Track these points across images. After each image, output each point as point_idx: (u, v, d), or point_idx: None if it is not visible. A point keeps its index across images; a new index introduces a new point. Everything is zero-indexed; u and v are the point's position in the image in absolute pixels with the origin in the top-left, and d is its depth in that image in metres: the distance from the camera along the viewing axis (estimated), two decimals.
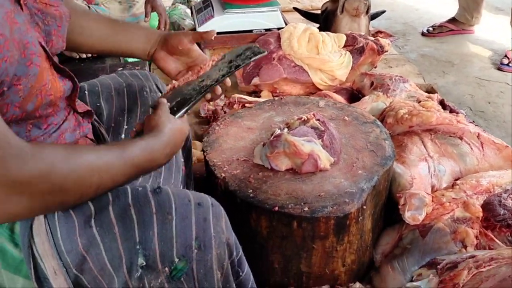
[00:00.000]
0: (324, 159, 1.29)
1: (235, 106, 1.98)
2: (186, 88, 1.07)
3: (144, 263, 0.81)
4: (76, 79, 0.97)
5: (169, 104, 0.99)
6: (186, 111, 1.00)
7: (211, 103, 2.14)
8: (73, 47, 1.17)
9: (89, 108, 1.05)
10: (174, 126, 0.93)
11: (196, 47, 1.18)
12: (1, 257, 0.86)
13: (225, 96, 2.21)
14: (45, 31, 0.89)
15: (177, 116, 0.97)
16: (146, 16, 2.27)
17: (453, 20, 3.25)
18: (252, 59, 1.15)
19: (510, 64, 2.80)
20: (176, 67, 1.18)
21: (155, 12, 2.34)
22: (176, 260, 0.82)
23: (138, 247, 0.80)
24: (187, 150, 1.42)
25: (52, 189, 0.73)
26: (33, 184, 0.70)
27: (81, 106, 1.02)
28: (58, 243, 0.80)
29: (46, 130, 0.90)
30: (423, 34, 3.30)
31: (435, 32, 3.26)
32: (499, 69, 2.81)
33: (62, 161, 0.73)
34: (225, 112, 2.04)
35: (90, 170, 0.77)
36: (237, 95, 2.02)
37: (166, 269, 0.82)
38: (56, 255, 0.80)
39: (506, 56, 2.84)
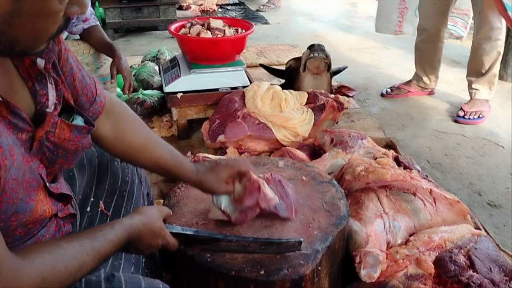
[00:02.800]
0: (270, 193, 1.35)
1: None
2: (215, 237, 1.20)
3: None
4: (72, 196, 1.02)
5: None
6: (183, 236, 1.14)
7: None
8: (125, 159, 1.26)
9: (73, 211, 1.05)
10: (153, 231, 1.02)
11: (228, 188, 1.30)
12: None
13: (191, 153, 2.27)
14: (50, 159, 0.91)
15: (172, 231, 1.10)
16: (112, 78, 2.33)
17: (410, 83, 3.36)
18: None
19: (465, 117, 2.94)
20: None
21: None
22: None
23: None
24: None
25: None
26: None
27: (64, 210, 1.02)
28: None
29: (23, 240, 0.90)
30: (382, 95, 3.36)
31: (393, 93, 3.35)
32: (456, 121, 2.94)
33: (50, 272, 0.79)
34: None
35: (69, 275, 0.82)
36: (201, 154, 2.07)
37: None
38: None
39: (461, 109, 2.98)
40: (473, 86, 2.99)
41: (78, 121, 0.96)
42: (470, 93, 3.02)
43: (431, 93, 3.33)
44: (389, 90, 3.36)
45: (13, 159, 0.76)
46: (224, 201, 1.32)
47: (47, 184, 0.89)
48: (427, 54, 3.21)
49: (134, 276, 0.93)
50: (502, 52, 2.92)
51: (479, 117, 2.93)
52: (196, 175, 1.26)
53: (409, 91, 3.32)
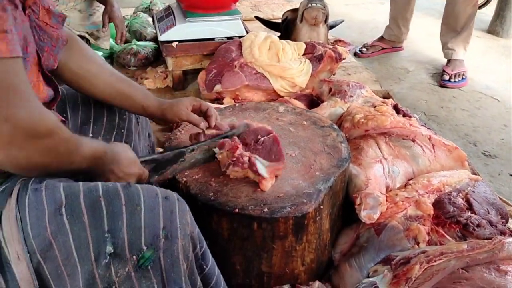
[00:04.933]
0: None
1: None
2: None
3: (112, 251, 0.84)
4: (59, 90, 1.04)
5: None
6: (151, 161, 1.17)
7: None
8: (81, 86, 1.22)
9: (63, 119, 1.09)
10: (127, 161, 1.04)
11: (191, 114, 1.29)
12: None
13: None
14: (38, 45, 0.95)
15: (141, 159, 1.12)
16: (103, 26, 2.27)
17: (382, 39, 3.31)
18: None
19: (451, 80, 2.85)
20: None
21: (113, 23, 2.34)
22: (144, 248, 0.86)
23: (106, 235, 0.85)
24: None
25: (51, 148, 0.85)
26: (45, 136, 0.82)
27: (57, 115, 1.05)
28: (25, 227, 0.83)
29: None
30: (355, 54, 3.28)
31: (368, 52, 3.29)
32: (443, 86, 2.83)
33: (62, 131, 0.86)
34: None
35: (69, 151, 0.89)
36: None
37: (134, 257, 0.86)
38: (22, 240, 0.82)
39: (445, 71, 2.88)
40: (449, 46, 2.90)
41: None
42: (446, 54, 2.93)
43: (399, 49, 3.29)
44: (364, 49, 3.28)
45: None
46: None
47: (42, 62, 0.95)
48: (401, 5, 3.15)
49: (149, 185, 0.94)
50: (476, 10, 2.82)
51: (462, 78, 2.86)
52: (159, 102, 1.27)
53: (383, 48, 3.27)
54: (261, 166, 1.29)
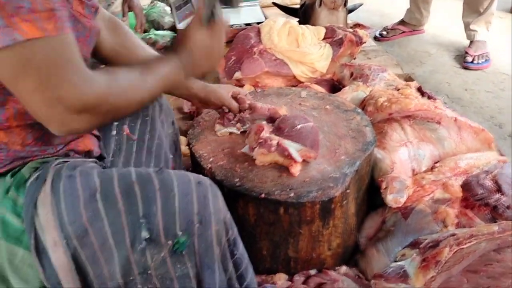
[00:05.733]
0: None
1: None
2: None
3: (148, 236, 0.85)
4: None
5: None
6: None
7: None
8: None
9: None
10: (198, 40, 1.01)
11: (232, 100, 1.39)
12: (3, 228, 0.88)
13: None
14: (74, 35, 0.95)
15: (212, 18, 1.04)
16: (123, 15, 2.27)
17: (402, 22, 3.24)
18: None
19: (474, 62, 2.77)
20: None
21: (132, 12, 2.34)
22: (179, 233, 0.86)
23: (142, 220, 0.85)
24: (175, 145, 1.44)
25: (109, 108, 0.82)
26: (97, 105, 0.79)
27: None
28: (61, 214, 0.83)
29: None
30: (375, 38, 3.18)
31: (389, 35, 3.21)
32: (466, 68, 2.76)
33: (116, 85, 0.83)
34: None
35: (135, 90, 0.87)
36: None
37: (169, 242, 0.86)
38: (58, 226, 0.83)
39: (467, 53, 2.80)
40: (471, 27, 2.81)
41: None
42: (469, 35, 2.84)
43: (420, 31, 3.21)
44: (384, 32, 3.21)
45: None
46: None
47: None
48: None
49: (181, 171, 0.95)
50: None
51: (486, 60, 2.78)
52: (203, 84, 1.32)
53: (403, 31, 3.21)
54: (293, 150, 1.26)
